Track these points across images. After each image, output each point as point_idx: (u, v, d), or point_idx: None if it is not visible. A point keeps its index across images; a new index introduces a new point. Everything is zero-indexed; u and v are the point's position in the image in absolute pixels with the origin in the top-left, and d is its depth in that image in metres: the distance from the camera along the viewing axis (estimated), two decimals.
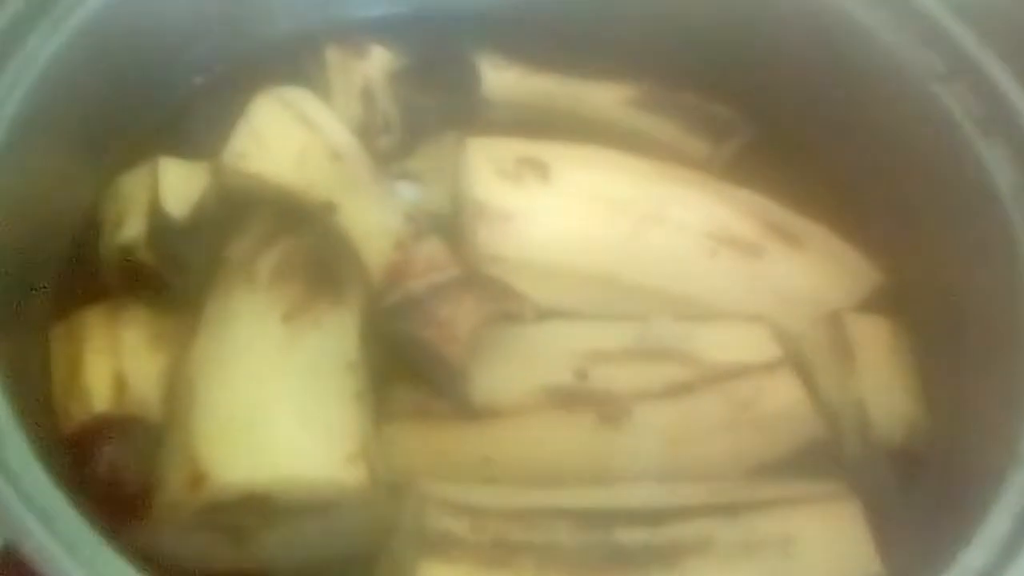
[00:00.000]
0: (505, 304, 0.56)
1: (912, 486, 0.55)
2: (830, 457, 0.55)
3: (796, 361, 0.57)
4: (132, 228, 0.58)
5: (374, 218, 0.59)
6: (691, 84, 0.69)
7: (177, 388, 0.53)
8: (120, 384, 0.53)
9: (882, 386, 0.57)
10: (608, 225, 0.61)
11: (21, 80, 0.54)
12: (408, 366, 0.55)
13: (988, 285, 0.55)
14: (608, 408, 0.54)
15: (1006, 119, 0.56)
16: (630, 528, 0.48)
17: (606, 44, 0.71)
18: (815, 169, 0.67)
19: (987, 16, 0.59)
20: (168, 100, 0.66)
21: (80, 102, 0.59)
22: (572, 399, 0.54)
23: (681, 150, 0.67)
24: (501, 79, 0.68)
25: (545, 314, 0.57)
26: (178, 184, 0.59)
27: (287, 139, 0.61)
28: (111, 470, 0.51)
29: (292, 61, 0.67)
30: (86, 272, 0.58)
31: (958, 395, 0.56)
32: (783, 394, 0.55)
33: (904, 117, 0.61)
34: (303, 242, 0.58)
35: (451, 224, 0.61)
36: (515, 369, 0.55)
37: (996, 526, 0.44)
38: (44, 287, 0.57)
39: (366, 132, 0.65)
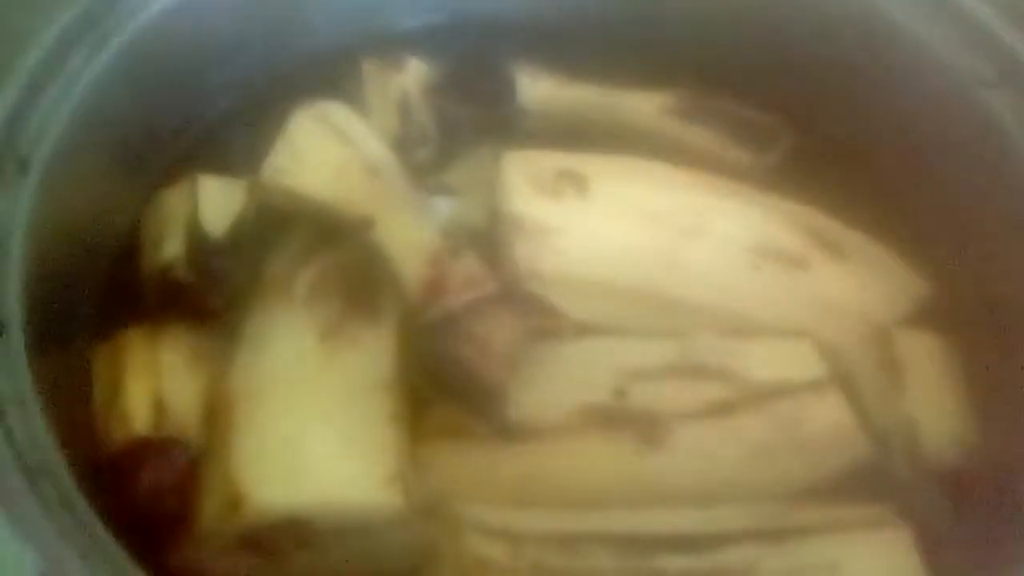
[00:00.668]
0: (543, 320, 0.56)
1: (964, 509, 0.53)
2: (878, 479, 0.54)
3: (842, 379, 0.56)
4: (172, 246, 0.58)
5: (411, 233, 0.59)
6: (732, 91, 0.68)
7: (216, 409, 0.53)
8: (160, 407, 0.53)
9: (932, 405, 0.56)
10: (648, 238, 0.60)
11: (64, 102, 0.55)
12: (445, 385, 0.55)
13: None
14: (649, 428, 0.53)
15: None
16: (672, 554, 0.47)
17: (644, 52, 0.70)
18: (860, 177, 0.65)
19: None
20: (207, 117, 0.66)
21: (121, 122, 0.59)
22: (612, 418, 0.54)
23: (722, 159, 0.66)
24: (538, 89, 0.68)
25: (584, 330, 0.57)
26: (217, 201, 0.60)
27: (325, 155, 0.61)
28: (151, 493, 0.51)
29: (329, 76, 0.66)
30: (127, 292, 0.59)
31: (1011, 413, 0.54)
32: (829, 414, 0.54)
33: (952, 124, 0.60)
34: (340, 258, 0.58)
35: (488, 238, 0.60)
36: (553, 387, 0.55)
37: None
38: (86, 308, 0.58)
39: (403, 145, 0.65)
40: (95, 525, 0.43)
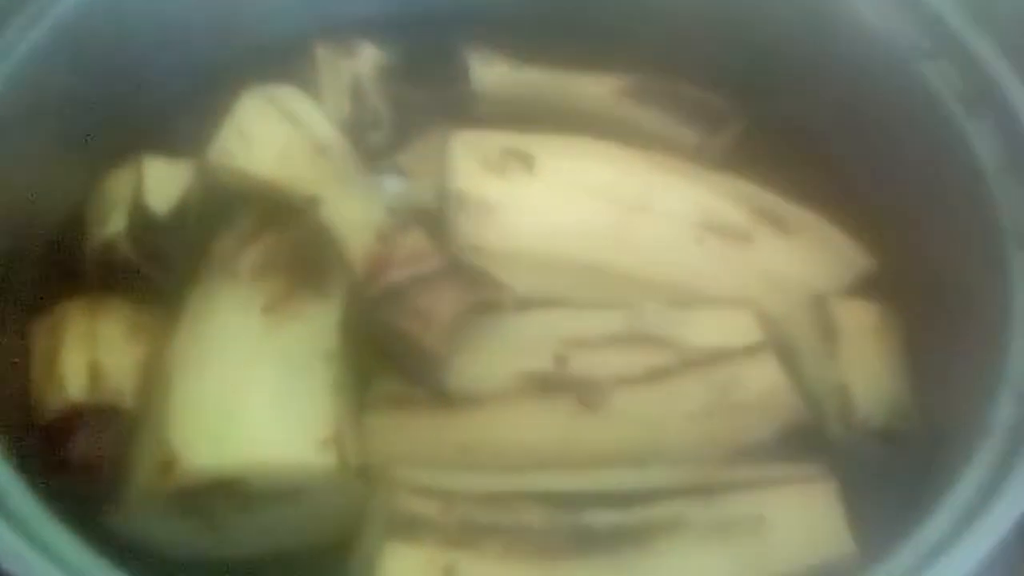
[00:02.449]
0: (486, 293, 0.56)
1: (894, 465, 0.54)
2: (812, 440, 0.55)
3: (779, 345, 0.57)
4: (114, 224, 0.58)
5: (357, 211, 0.59)
6: (682, 74, 0.69)
7: (153, 377, 0.53)
8: (95, 374, 0.53)
9: (865, 369, 0.56)
10: (593, 214, 0.61)
11: None
12: (389, 356, 0.55)
13: (971, 263, 0.54)
14: (587, 394, 0.53)
15: (990, 95, 0.56)
16: (600, 510, 0.48)
17: (598, 37, 0.71)
18: (807, 154, 0.66)
19: None
20: (155, 100, 0.66)
21: (62, 99, 0.59)
22: (551, 385, 0.54)
23: (672, 140, 0.67)
24: (490, 73, 0.68)
25: (528, 303, 0.57)
26: (162, 181, 0.60)
27: (272, 135, 0.61)
28: (84, 458, 0.52)
29: (281, 60, 0.67)
30: (67, 269, 0.59)
31: (941, 375, 0.55)
32: (762, 378, 0.55)
33: (892, 97, 0.61)
34: (287, 237, 0.58)
35: (437, 217, 0.60)
36: (494, 357, 0.55)
37: (959, 496, 0.44)
38: (24, 284, 0.58)
39: (356, 129, 0.65)
40: (20, 487, 0.43)
